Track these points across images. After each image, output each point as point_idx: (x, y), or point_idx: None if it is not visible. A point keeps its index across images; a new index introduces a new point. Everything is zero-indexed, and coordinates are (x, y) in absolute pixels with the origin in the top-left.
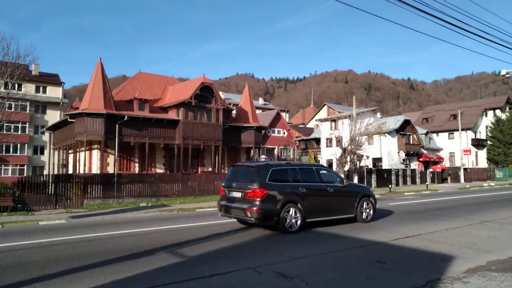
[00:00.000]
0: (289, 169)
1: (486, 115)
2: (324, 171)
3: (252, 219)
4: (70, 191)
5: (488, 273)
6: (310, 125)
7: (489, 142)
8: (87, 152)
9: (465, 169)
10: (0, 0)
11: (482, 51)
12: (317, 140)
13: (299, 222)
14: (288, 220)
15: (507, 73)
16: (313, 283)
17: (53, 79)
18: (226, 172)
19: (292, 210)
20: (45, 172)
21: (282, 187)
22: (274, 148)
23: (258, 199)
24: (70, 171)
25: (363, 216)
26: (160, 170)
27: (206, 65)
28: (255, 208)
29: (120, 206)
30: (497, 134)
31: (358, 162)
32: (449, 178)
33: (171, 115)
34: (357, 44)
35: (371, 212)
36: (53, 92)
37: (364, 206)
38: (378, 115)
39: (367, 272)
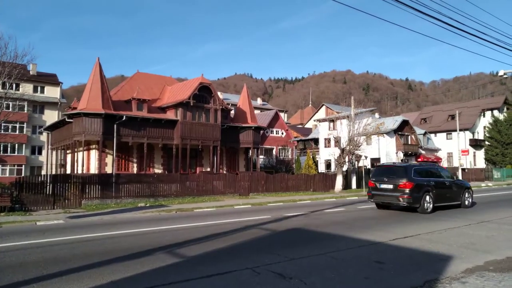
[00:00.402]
0: (422, 168)
1: (484, 116)
2: (441, 169)
3: (404, 203)
4: (68, 191)
5: (486, 273)
6: (309, 125)
7: (487, 143)
8: (85, 152)
9: (463, 170)
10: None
11: (480, 51)
12: (316, 141)
13: (431, 206)
14: (426, 205)
15: (504, 74)
16: (311, 283)
17: (51, 79)
18: (224, 172)
19: (427, 197)
20: (43, 172)
21: (421, 180)
22: (272, 148)
23: (408, 189)
24: (68, 171)
25: (466, 203)
26: (158, 170)
27: (204, 65)
28: (406, 195)
29: (118, 206)
30: (495, 134)
31: (356, 163)
32: None
33: (170, 115)
34: (355, 44)
35: (471, 200)
36: (51, 92)
37: (466, 195)
38: (376, 115)
39: (366, 272)
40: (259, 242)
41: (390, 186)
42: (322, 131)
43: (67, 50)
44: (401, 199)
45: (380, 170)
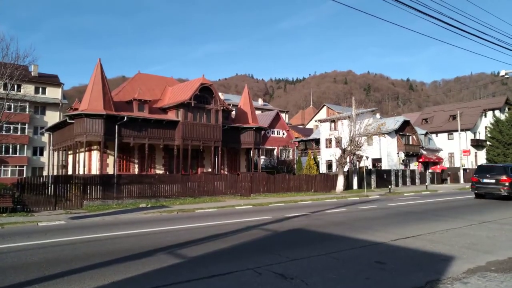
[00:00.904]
0: None
1: (485, 116)
2: None
3: (505, 193)
4: (69, 192)
5: (487, 273)
6: (310, 125)
7: (488, 143)
8: (87, 153)
9: (464, 170)
10: (0, 0)
11: (481, 51)
12: (317, 141)
13: None
14: None
15: (506, 74)
16: (313, 284)
17: (53, 80)
18: (225, 173)
19: None
20: (45, 173)
21: None
22: (273, 149)
23: (507, 183)
24: (70, 172)
25: None
26: (159, 171)
27: (205, 66)
28: (506, 188)
29: (119, 207)
30: (496, 134)
31: (357, 163)
32: (448, 178)
33: (171, 116)
34: (356, 45)
35: None
36: (53, 93)
37: None
38: (378, 115)
39: (367, 273)
40: (261, 242)
41: (492, 181)
42: (323, 132)
43: (68, 51)
44: (502, 190)
45: (482, 168)
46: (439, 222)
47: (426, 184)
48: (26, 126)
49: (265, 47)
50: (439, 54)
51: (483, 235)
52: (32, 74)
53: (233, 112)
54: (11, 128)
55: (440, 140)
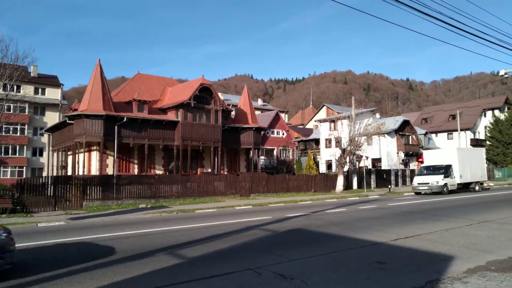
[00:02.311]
0: None
1: (485, 115)
2: None
3: None
4: (69, 193)
5: (487, 273)
6: (309, 125)
7: (488, 142)
8: (86, 154)
9: None
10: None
11: (481, 51)
12: (316, 141)
13: None
14: None
15: (505, 73)
16: (313, 284)
17: (52, 81)
18: (225, 173)
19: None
20: (44, 173)
21: None
22: (273, 149)
23: None
24: (69, 172)
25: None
26: (159, 171)
27: (205, 67)
28: None
29: (119, 208)
30: (496, 134)
31: (357, 163)
32: None
33: (170, 116)
34: (355, 45)
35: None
36: (52, 94)
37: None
38: (377, 115)
39: (367, 273)
40: (261, 243)
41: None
42: (323, 132)
43: (68, 51)
44: None
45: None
46: (439, 221)
47: None
48: (26, 126)
49: (264, 48)
50: (438, 53)
51: (483, 235)
52: (32, 75)
53: (233, 113)
54: (11, 128)
55: (439, 140)
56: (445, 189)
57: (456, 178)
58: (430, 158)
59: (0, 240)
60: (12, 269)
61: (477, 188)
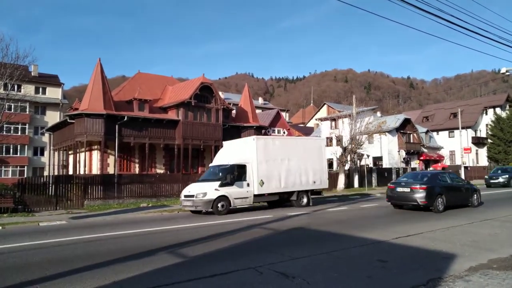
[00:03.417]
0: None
1: (486, 113)
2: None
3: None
4: (70, 192)
5: (489, 271)
6: (310, 124)
7: (489, 140)
8: (87, 153)
9: (465, 168)
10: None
11: (482, 49)
12: None
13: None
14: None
15: (507, 71)
16: (315, 283)
17: (53, 80)
18: None
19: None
20: (45, 173)
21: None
22: None
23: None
24: (70, 172)
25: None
26: (160, 170)
27: (205, 65)
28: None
29: (120, 207)
30: (497, 132)
31: (358, 161)
32: None
33: (171, 115)
34: (356, 43)
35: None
36: (53, 93)
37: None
38: (378, 114)
39: (368, 271)
40: (262, 241)
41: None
42: (324, 130)
43: (68, 51)
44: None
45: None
46: (440, 220)
47: None
48: (27, 126)
49: (265, 46)
50: (439, 51)
51: (485, 233)
52: (32, 74)
53: (234, 111)
54: (12, 128)
55: (441, 138)
56: (220, 206)
57: (253, 187)
58: (224, 153)
59: None
60: None
61: (304, 200)
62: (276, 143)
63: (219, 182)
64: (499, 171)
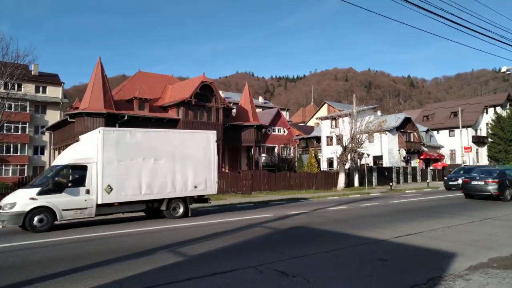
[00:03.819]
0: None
1: (486, 112)
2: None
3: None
4: None
5: (489, 270)
6: (311, 123)
7: (490, 139)
8: None
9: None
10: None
11: (482, 48)
12: (318, 139)
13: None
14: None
15: (507, 70)
16: (315, 281)
17: (53, 79)
18: (226, 171)
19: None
20: None
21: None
22: (274, 147)
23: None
24: None
25: None
26: None
27: (206, 64)
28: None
29: None
30: (497, 131)
31: (358, 160)
32: None
33: (171, 114)
34: (357, 42)
35: None
36: (53, 92)
37: None
38: (379, 113)
39: (369, 270)
40: (262, 240)
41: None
42: (324, 129)
43: (69, 50)
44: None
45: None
46: (440, 219)
47: (428, 181)
48: (27, 125)
49: (265, 45)
50: (440, 51)
51: (485, 232)
52: (33, 73)
53: (234, 110)
54: (12, 127)
55: (441, 137)
56: (37, 221)
57: (96, 194)
58: (70, 149)
59: None
60: None
61: (179, 211)
62: (136, 137)
63: (38, 189)
64: (461, 172)
